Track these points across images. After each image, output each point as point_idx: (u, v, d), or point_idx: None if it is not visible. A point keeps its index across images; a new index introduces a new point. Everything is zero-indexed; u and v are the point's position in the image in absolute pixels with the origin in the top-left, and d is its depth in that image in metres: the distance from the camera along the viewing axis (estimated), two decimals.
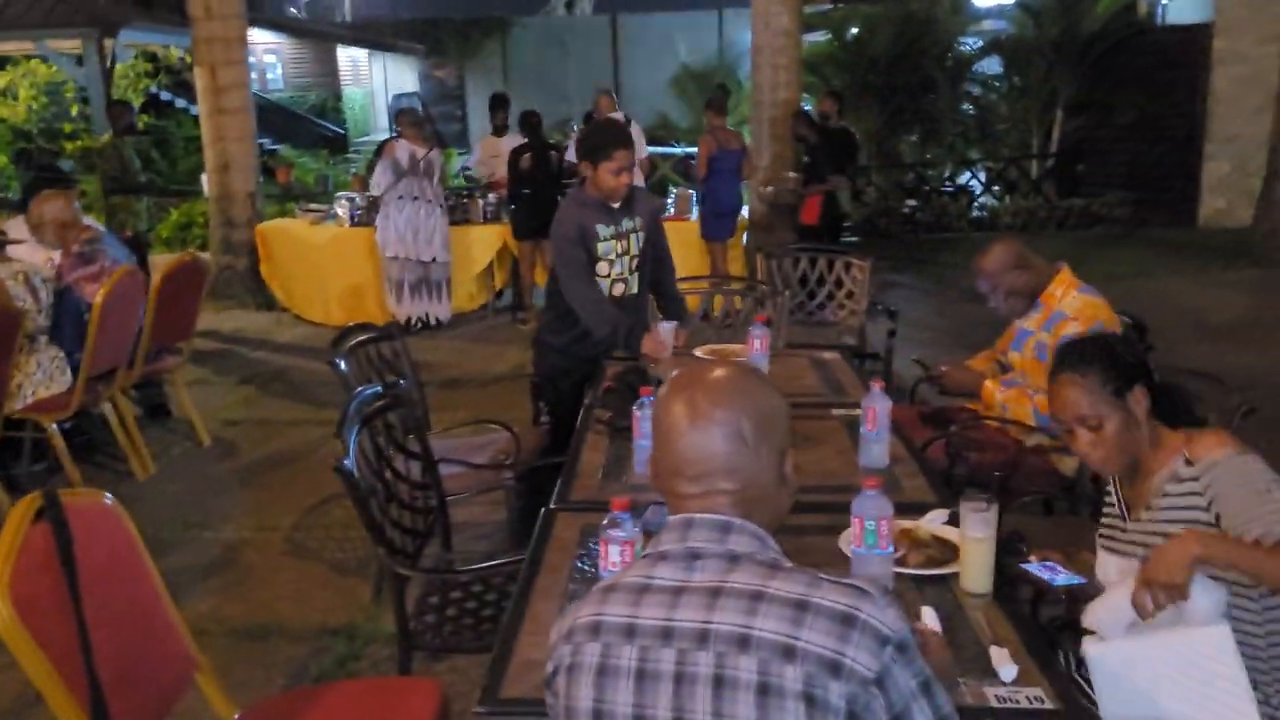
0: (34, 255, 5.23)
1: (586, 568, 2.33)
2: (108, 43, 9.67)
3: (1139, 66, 13.41)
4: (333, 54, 24.68)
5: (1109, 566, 2.34)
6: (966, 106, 14.58)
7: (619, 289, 4.19)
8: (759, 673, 1.31)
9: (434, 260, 8.46)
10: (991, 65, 14.56)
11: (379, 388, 3.30)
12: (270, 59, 24.83)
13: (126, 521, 2.41)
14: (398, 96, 24.72)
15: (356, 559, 4.45)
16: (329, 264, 8.78)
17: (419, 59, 26.84)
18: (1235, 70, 12.35)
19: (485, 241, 8.96)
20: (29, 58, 11.59)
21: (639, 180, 8.40)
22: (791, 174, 8.81)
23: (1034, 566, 2.37)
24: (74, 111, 12.50)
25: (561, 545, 2.45)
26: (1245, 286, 9.65)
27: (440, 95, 26.47)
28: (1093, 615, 2.09)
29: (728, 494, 1.47)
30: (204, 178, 9.70)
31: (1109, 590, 2.12)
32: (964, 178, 14.27)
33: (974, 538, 2.12)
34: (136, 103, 13.02)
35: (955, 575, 2.18)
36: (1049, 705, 1.76)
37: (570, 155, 8.93)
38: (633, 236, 4.18)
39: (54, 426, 4.83)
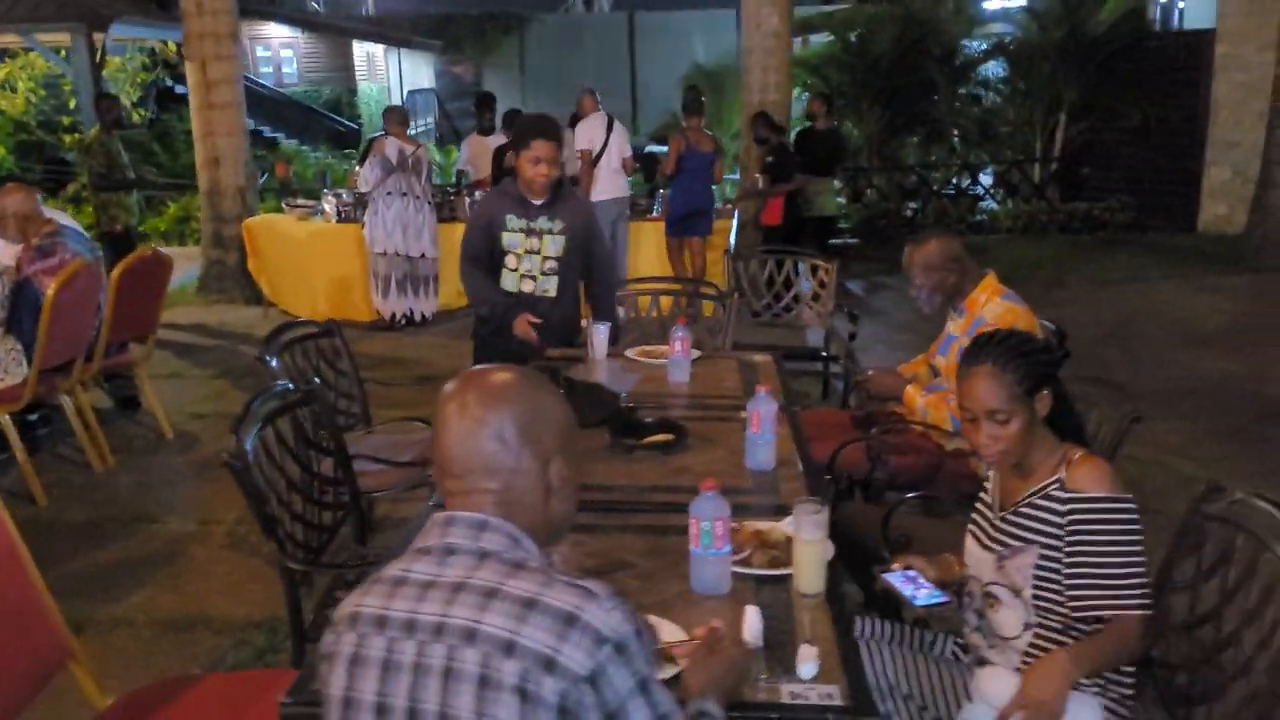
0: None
1: None
2: (97, 36, 9.76)
3: (1143, 71, 13.34)
4: (348, 49, 24.79)
5: (972, 554, 2.39)
6: (970, 109, 14.52)
7: (527, 285, 4.28)
8: (481, 665, 1.34)
9: (422, 256, 8.52)
10: (995, 68, 14.50)
11: (289, 385, 3.33)
12: (287, 53, 24.98)
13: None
14: (413, 93, 24.85)
15: None
16: (314, 259, 8.84)
17: (435, 54, 26.95)
18: (1237, 76, 12.27)
19: None
20: (26, 50, 11.72)
21: (621, 179, 8.43)
22: (757, 175, 8.81)
23: (896, 578, 2.38)
24: (71, 105, 12.66)
25: None
26: (1235, 293, 9.59)
27: (457, 91, 26.57)
28: (980, 686, 2.19)
29: (488, 493, 1.51)
30: None
31: (1001, 675, 2.17)
32: (965, 181, 14.21)
33: (806, 540, 2.13)
34: (135, 96, 13.21)
35: (792, 576, 2.19)
36: (838, 702, 1.78)
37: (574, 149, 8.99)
38: (547, 238, 4.21)
39: (6, 417, 4.90)
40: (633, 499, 2.70)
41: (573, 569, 2.25)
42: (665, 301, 5.19)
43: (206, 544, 4.65)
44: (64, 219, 5.94)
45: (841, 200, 13.48)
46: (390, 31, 26.19)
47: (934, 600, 2.32)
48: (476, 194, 9.23)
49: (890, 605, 2.73)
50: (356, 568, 3.11)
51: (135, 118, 13.42)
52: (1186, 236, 12.51)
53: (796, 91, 14.78)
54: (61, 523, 4.85)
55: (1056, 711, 2.04)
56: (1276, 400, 6.49)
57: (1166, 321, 8.64)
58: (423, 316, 8.71)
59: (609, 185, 8.34)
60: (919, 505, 3.64)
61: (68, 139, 11.60)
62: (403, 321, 8.63)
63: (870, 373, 4.05)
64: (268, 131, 20.04)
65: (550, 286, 4.30)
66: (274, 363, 3.88)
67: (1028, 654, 2.24)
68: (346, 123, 22.57)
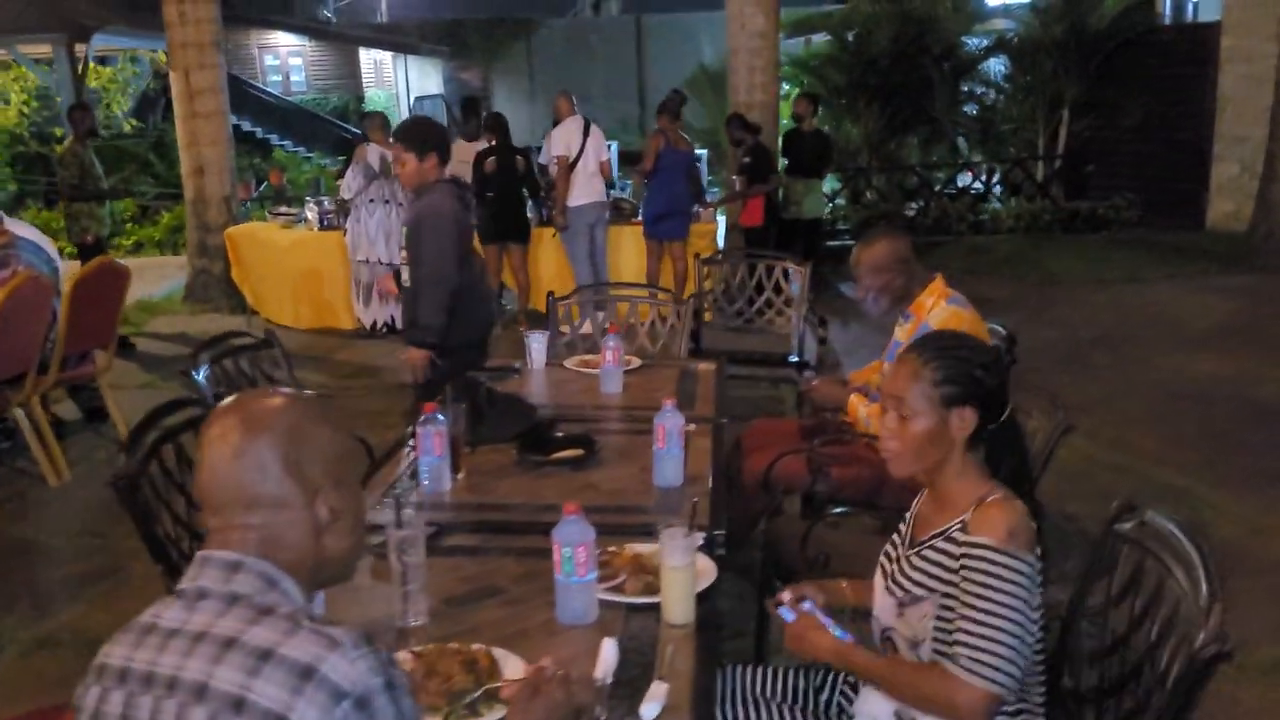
0: None
1: None
2: (80, 47, 9.73)
3: (1147, 66, 13.10)
4: (356, 56, 24.82)
5: (877, 592, 2.18)
6: (970, 107, 14.33)
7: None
8: None
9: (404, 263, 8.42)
10: (995, 65, 14.31)
11: (182, 399, 3.23)
12: (295, 61, 25.04)
13: None
14: (420, 99, 24.83)
15: None
16: (295, 267, 8.79)
17: (444, 60, 26.92)
18: (1244, 70, 12.02)
19: None
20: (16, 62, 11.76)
21: (599, 183, 8.29)
22: (734, 176, 8.69)
23: (786, 612, 2.23)
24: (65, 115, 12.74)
25: None
26: (1235, 292, 9.37)
27: (465, 97, 26.51)
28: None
29: (250, 530, 1.38)
30: None
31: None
32: (966, 180, 14.02)
33: (672, 567, 2.01)
34: (126, 106, 13.22)
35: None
36: None
37: (541, 158, 8.87)
38: (405, 230, 4.27)
39: None
40: (524, 519, 2.58)
41: (437, 596, 2.15)
42: (622, 308, 5.07)
43: (148, 561, 4.55)
44: (25, 231, 5.88)
45: (840, 201, 13.36)
46: (397, 38, 26.20)
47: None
48: None
49: None
50: None
51: (127, 127, 13.44)
52: (1193, 235, 12.26)
53: (794, 91, 14.69)
54: (6, 538, 4.77)
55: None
56: (1262, 404, 6.30)
57: (1160, 323, 8.45)
58: (387, 325, 8.62)
59: (587, 189, 8.22)
60: (877, 521, 3.53)
61: (59, 149, 11.64)
62: (384, 329, 8.54)
63: (814, 382, 3.91)
64: (275, 140, 20.07)
65: (407, 279, 4.37)
66: (200, 375, 3.79)
67: None
68: (353, 130, 22.51)
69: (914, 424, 2.03)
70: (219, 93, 9.53)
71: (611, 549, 2.27)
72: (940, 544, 2.01)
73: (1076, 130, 13.54)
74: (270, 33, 24.57)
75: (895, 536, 2.20)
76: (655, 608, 2.07)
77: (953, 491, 2.04)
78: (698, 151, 14.23)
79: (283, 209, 9.19)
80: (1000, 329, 3.94)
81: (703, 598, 2.13)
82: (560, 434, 3.04)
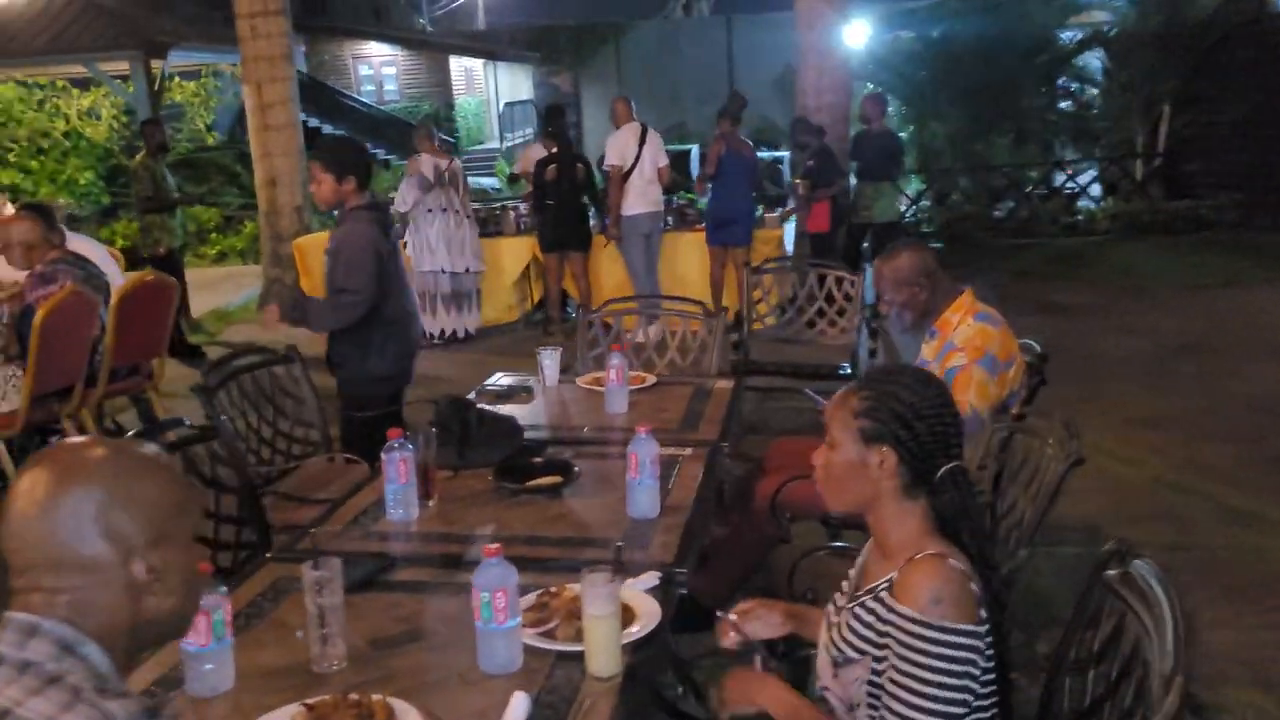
0: (7, 274, 5.39)
1: None
2: (156, 64, 9.97)
3: (1253, 58, 12.43)
4: (446, 64, 25.11)
5: (820, 643, 2.01)
6: (1065, 104, 13.80)
7: None
8: None
9: (467, 270, 8.43)
10: (1088, 60, 13.77)
11: (184, 420, 3.20)
12: (389, 71, 25.45)
13: None
14: (509, 104, 25.04)
15: None
16: None
17: (534, 66, 27.09)
18: None
19: (516, 253, 8.88)
20: (90, 82, 12.14)
21: (655, 191, 8.15)
22: (797, 181, 8.44)
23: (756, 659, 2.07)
24: None
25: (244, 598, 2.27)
26: None
27: (555, 101, 26.63)
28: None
29: (54, 593, 1.27)
30: None
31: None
32: (1059, 179, 13.51)
33: (594, 615, 1.87)
34: (209, 120, 13.54)
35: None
36: None
37: (605, 164, 8.78)
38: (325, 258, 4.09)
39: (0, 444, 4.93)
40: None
41: (366, 637, 2.05)
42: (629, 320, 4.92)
43: None
44: (84, 245, 6.00)
45: (924, 203, 13.00)
46: (487, 46, 26.45)
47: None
48: (521, 206, 9.11)
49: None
50: None
51: (210, 140, 13.77)
52: None
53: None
54: None
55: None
56: None
57: (1255, 331, 7.98)
58: (465, 332, 8.61)
59: (642, 198, 8.08)
60: None
61: (133, 164, 12.03)
62: (446, 339, 8.53)
63: (825, 405, 3.69)
64: (368, 148, 20.39)
65: None
66: (212, 395, 3.76)
67: None
68: (444, 137, 22.78)
69: (836, 454, 1.89)
70: (291, 105, 9.66)
71: (553, 589, 2.14)
72: (870, 603, 1.83)
73: (1177, 127, 12.95)
74: (364, 43, 25.01)
75: (844, 583, 2.03)
76: (583, 656, 1.93)
77: (891, 540, 1.87)
78: (780, 154, 14.07)
79: None
80: (1035, 345, 3.70)
81: (642, 644, 1.99)
82: (539, 460, 2.92)
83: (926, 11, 13.91)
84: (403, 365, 4.23)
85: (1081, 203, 13.13)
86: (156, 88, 10.01)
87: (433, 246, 8.26)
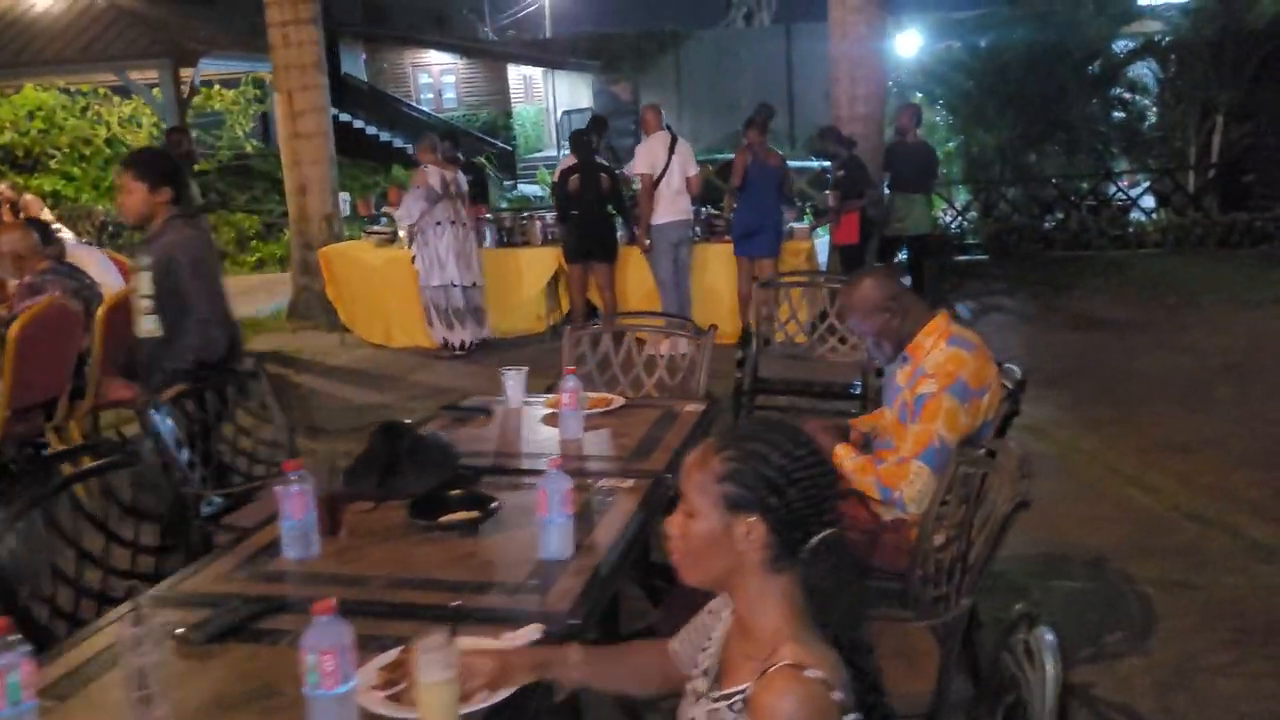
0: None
1: None
2: (186, 72, 10.01)
3: None
4: (504, 72, 25.16)
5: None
6: (1118, 114, 13.35)
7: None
8: None
9: (474, 285, 8.35)
10: (1140, 69, 13.31)
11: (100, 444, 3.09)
12: (448, 79, 25.59)
13: None
14: (568, 112, 25.02)
15: None
16: (386, 286, 8.77)
17: (594, 74, 27.06)
18: None
19: (542, 263, 8.75)
20: (114, 90, 12.28)
21: (684, 201, 7.98)
22: (827, 192, 8.19)
23: None
24: (194, 137, 13.25)
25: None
26: None
27: (614, 110, 26.55)
28: None
29: None
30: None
31: None
32: (1110, 191, 13.07)
33: (427, 683, 1.70)
34: (248, 127, 13.63)
35: None
36: None
37: (629, 172, 8.64)
38: (143, 274, 3.89)
39: None
40: (369, 598, 2.30)
41: (204, 696, 1.90)
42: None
43: None
44: (90, 254, 6.01)
45: (972, 214, 12.66)
46: (546, 54, 26.47)
47: None
48: (548, 216, 8.98)
49: None
50: None
51: (249, 148, 13.88)
52: None
53: (923, 100, 14.01)
54: None
55: None
56: None
57: None
58: (473, 343, 8.49)
59: (671, 208, 7.91)
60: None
61: None
62: (462, 349, 8.42)
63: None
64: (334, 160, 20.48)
65: (153, 325, 3.93)
66: (158, 413, 3.65)
67: None
68: (500, 144, 22.88)
69: (693, 524, 1.66)
70: (321, 113, 9.65)
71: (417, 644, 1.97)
72: (726, 711, 1.63)
73: (1234, 137, 12.45)
74: (424, 51, 25.19)
75: (701, 654, 1.82)
76: None
77: (753, 619, 1.65)
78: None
79: (377, 228, 9.19)
80: (1015, 370, 3.45)
81: (499, 710, 1.82)
82: (458, 493, 2.76)
83: (974, 21, 13.56)
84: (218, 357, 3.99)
85: (1133, 215, 12.67)
86: (186, 95, 10.05)
87: (443, 260, 8.15)
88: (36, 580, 2.68)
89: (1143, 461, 5.46)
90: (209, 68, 11.06)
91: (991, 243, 12.01)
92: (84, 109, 12.88)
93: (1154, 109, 13.36)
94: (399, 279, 8.64)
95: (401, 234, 8.57)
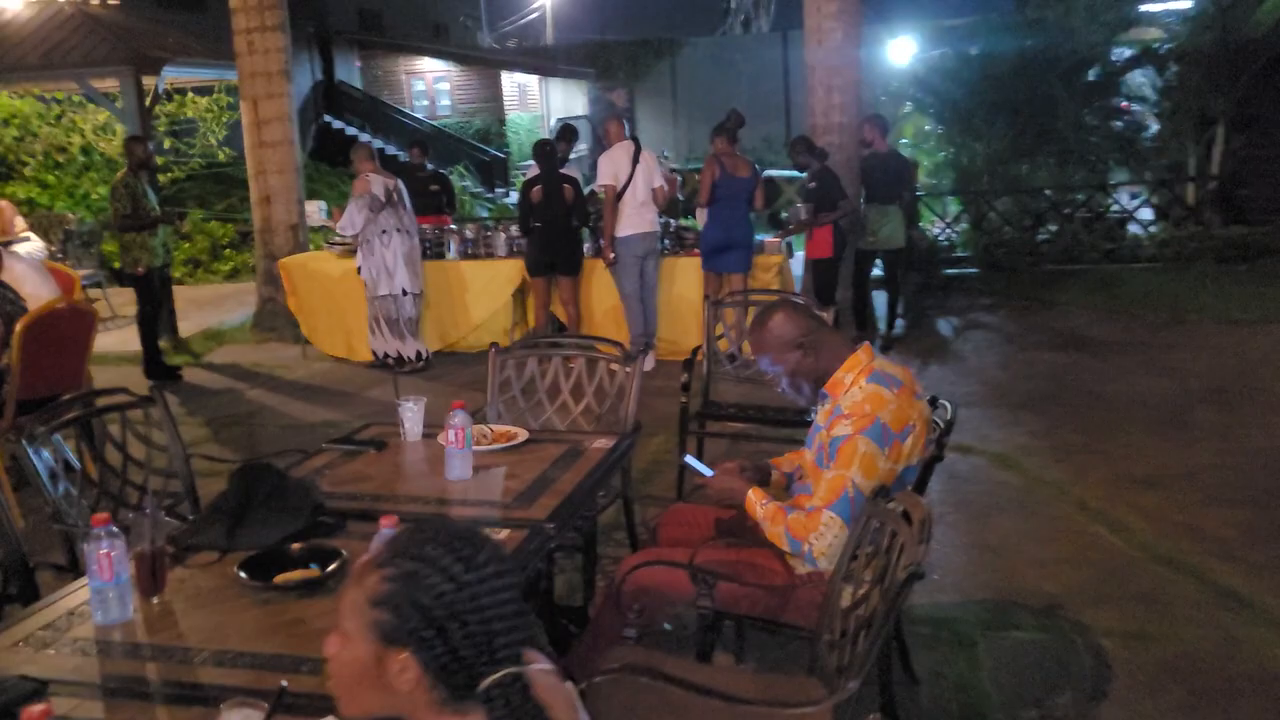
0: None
1: None
2: (148, 80, 9.76)
3: None
4: (498, 80, 24.93)
5: None
6: (1115, 123, 13.03)
7: None
8: None
9: (419, 292, 8.11)
10: (1135, 78, 13.01)
11: None
12: (442, 86, 25.34)
13: None
14: (560, 120, 24.77)
15: None
16: (346, 298, 8.52)
17: (590, 82, 26.84)
18: None
19: (505, 276, 8.49)
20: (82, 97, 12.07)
21: (650, 212, 7.71)
22: (799, 204, 7.89)
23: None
24: (166, 145, 13.06)
25: None
26: None
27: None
28: None
29: None
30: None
31: None
32: (1107, 202, 12.74)
33: None
34: (221, 135, 13.40)
35: None
36: None
37: (593, 186, 8.37)
38: None
39: None
40: (171, 676, 2.03)
41: None
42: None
43: None
44: (28, 266, 5.78)
45: (962, 226, 12.37)
46: (540, 61, 26.25)
47: None
48: (513, 228, 8.71)
49: None
50: None
51: (221, 156, 13.64)
52: None
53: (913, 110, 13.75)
54: None
55: None
56: None
57: None
58: (426, 357, 8.23)
59: (636, 219, 7.64)
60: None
61: (162, 178, 11.88)
62: (406, 363, 8.15)
63: (713, 475, 3.18)
64: (299, 170, 20.25)
65: None
66: (35, 448, 3.39)
67: None
68: (493, 151, 22.63)
69: (345, 653, 1.39)
70: (287, 121, 9.40)
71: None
72: None
73: (1233, 149, 12.14)
74: (418, 59, 24.96)
75: None
76: None
77: None
78: None
79: (338, 238, 8.94)
80: (947, 406, 3.18)
81: None
82: (300, 547, 2.49)
83: (968, 28, 13.27)
84: None
85: (1130, 228, 12.36)
86: (149, 104, 9.82)
87: (391, 269, 7.90)
88: None
89: (1111, 496, 5.16)
90: (183, 75, 10.83)
91: (983, 257, 11.71)
92: (59, 116, 12.67)
93: (1153, 118, 13.03)
94: (358, 291, 8.39)
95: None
